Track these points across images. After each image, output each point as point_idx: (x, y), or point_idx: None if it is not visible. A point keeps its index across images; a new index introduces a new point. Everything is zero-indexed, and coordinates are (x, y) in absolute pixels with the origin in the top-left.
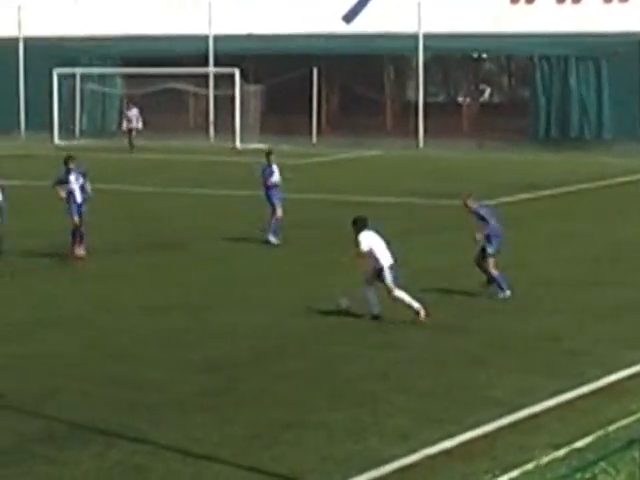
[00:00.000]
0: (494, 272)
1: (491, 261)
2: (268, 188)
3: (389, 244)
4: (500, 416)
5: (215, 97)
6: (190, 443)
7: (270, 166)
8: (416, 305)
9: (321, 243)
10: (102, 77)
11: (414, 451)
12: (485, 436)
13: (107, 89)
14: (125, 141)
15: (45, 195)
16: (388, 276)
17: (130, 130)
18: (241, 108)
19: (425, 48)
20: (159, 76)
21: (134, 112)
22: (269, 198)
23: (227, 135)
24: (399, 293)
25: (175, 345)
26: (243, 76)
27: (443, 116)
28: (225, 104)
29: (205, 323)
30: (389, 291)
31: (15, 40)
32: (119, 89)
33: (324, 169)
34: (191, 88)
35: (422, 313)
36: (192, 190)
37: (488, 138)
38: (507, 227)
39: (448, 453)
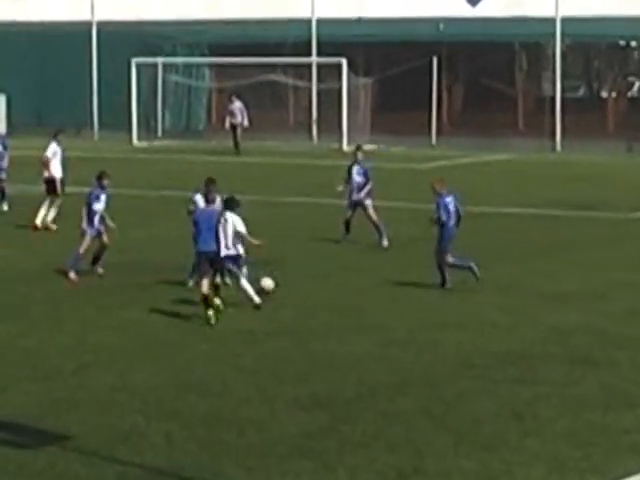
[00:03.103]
0: (449, 260)
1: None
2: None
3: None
4: None
5: (319, 91)
6: None
7: (353, 164)
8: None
9: None
10: (188, 68)
11: None
12: None
13: (193, 81)
14: (218, 140)
15: (121, 204)
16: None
17: (234, 127)
18: (349, 104)
19: (563, 34)
20: (254, 67)
21: (237, 105)
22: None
23: (332, 135)
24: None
25: (274, 378)
26: (351, 67)
27: (584, 113)
28: (330, 99)
29: (309, 352)
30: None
31: (87, 25)
32: (207, 82)
33: (445, 174)
34: (291, 81)
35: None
36: (297, 198)
37: (638, 139)
38: None
39: None
